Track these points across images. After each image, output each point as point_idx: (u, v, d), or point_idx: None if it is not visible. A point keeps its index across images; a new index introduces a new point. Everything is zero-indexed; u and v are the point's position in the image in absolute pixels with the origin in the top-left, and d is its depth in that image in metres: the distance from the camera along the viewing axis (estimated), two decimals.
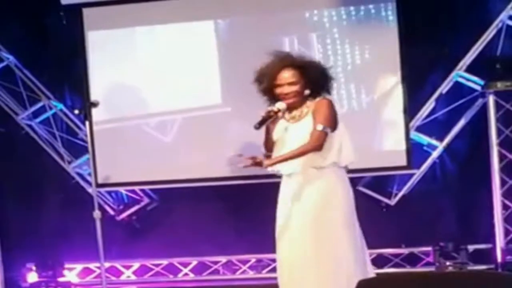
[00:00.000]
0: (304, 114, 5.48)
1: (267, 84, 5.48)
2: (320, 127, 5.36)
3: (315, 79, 5.47)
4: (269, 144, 5.56)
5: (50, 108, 8.15)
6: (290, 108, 5.49)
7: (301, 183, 5.44)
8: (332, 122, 5.45)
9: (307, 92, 5.47)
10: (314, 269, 5.37)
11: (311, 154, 5.36)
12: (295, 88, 5.42)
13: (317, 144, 5.35)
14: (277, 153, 5.49)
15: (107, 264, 7.50)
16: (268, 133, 5.50)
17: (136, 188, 8.04)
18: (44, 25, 8.09)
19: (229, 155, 7.54)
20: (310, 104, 5.50)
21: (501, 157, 7.35)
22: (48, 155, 8.12)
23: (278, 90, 5.43)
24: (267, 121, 5.39)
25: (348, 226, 5.46)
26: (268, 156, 5.52)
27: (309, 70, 5.46)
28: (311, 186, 5.42)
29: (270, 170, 5.50)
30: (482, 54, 7.43)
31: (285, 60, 5.48)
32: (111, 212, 8.07)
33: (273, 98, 5.50)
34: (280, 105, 5.40)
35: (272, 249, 7.75)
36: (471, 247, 7.51)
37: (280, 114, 5.44)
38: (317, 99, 5.51)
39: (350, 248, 5.43)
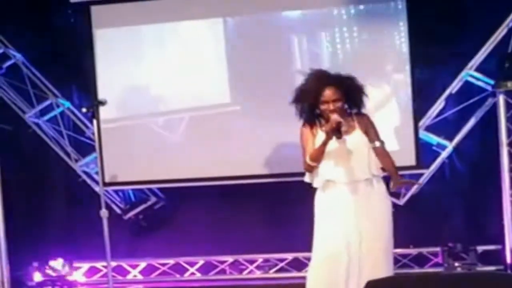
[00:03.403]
0: (352, 128, 5.83)
1: (311, 101, 5.79)
2: (379, 143, 5.86)
3: (353, 95, 5.85)
4: (320, 155, 5.72)
5: (58, 106, 8.12)
6: None
7: (364, 191, 5.80)
8: None
9: (345, 106, 5.83)
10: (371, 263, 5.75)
11: (366, 164, 5.79)
12: (338, 104, 5.76)
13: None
14: (329, 162, 5.75)
15: (113, 263, 7.47)
16: (325, 145, 5.67)
17: (143, 187, 8.01)
18: (52, 23, 8.07)
19: (237, 154, 7.54)
20: (353, 118, 5.85)
21: (511, 157, 7.29)
22: (55, 154, 8.10)
23: (324, 107, 5.76)
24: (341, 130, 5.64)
25: None
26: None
27: (347, 86, 5.82)
28: (376, 194, 5.84)
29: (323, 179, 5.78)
30: (493, 53, 7.37)
31: (327, 79, 5.81)
32: (118, 211, 8.03)
33: (313, 115, 5.82)
34: (337, 117, 5.64)
35: (279, 249, 7.78)
36: (480, 248, 7.47)
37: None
38: (360, 114, 5.90)
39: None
